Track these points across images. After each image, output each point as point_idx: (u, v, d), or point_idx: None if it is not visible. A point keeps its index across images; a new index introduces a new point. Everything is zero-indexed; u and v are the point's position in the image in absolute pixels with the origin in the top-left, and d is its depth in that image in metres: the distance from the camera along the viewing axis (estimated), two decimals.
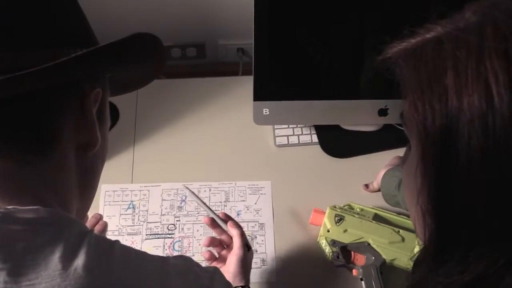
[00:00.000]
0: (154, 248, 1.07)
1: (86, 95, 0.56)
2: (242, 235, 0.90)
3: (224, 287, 0.62)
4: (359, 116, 1.19)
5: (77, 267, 0.48)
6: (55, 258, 0.48)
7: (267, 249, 1.07)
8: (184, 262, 0.60)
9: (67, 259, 0.48)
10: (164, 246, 1.08)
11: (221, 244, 0.93)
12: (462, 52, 0.42)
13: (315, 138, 1.23)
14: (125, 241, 1.07)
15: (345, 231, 1.02)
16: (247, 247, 0.89)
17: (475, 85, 0.41)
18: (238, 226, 0.91)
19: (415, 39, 0.48)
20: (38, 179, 0.53)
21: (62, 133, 0.55)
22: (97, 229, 0.98)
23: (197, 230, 1.10)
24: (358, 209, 1.07)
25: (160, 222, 1.11)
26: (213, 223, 0.92)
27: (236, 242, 0.89)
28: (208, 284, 0.59)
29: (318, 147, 1.22)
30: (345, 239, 1.02)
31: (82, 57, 0.50)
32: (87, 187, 0.62)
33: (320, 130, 1.23)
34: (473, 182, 0.42)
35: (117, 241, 0.54)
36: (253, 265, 1.03)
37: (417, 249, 0.98)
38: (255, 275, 1.04)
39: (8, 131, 0.51)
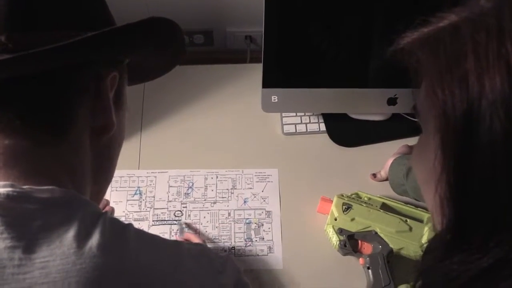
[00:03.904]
0: (160, 234, 1.07)
1: (103, 79, 0.56)
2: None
3: (236, 272, 0.62)
4: (368, 105, 1.18)
5: (92, 246, 0.48)
6: (70, 237, 0.48)
7: (273, 237, 1.07)
8: (198, 247, 0.60)
9: (82, 238, 0.48)
10: (170, 232, 1.08)
11: None
12: (481, 35, 0.41)
13: (323, 127, 1.22)
14: None
15: (352, 219, 1.02)
16: None
17: (497, 68, 0.40)
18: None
19: (428, 28, 0.47)
20: (53, 159, 0.53)
21: (78, 115, 0.55)
22: None
23: (204, 217, 1.09)
24: (365, 198, 1.07)
25: (167, 208, 1.10)
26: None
27: None
28: (220, 269, 0.59)
29: (326, 135, 1.21)
30: (352, 227, 1.02)
31: (95, 38, 0.50)
32: (102, 171, 0.62)
33: (328, 119, 1.23)
34: (495, 167, 0.41)
35: (130, 224, 0.54)
36: (259, 253, 1.05)
37: (425, 237, 0.98)
38: (261, 263, 1.04)
39: (23, 109, 0.51)
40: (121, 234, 0.52)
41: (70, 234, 0.48)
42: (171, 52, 0.65)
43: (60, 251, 0.46)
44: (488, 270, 0.43)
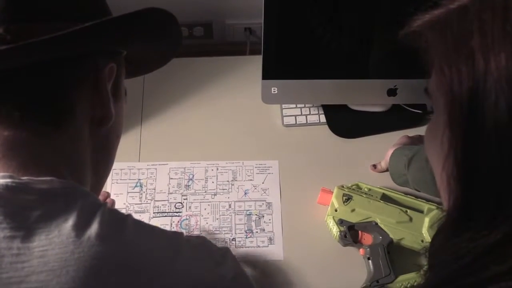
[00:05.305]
0: (161, 226, 1.07)
1: (100, 70, 0.56)
2: None
3: (235, 266, 0.63)
4: (368, 96, 1.18)
5: (91, 235, 0.48)
6: (68, 226, 0.48)
7: (274, 228, 1.08)
8: (198, 239, 0.61)
9: (81, 228, 0.48)
10: (171, 224, 1.08)
11: None
12: (487, 14, 0.42)
13: (323, 118, 1.22)
14: None
15: (352, 210, 1.02)
16: None
17: (502, 45, 0.40)
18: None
19: (439, 10, 0.48)
20: (52, 151, 0.54)
21: (76, 106, 0.55)
22: None
23: (205, 209, 1.10)
24: (366, 189, 1.07)
25: (168, 200, 1.11)
26: None
27: None
28: (220, 261, 0.59)
29: (326, 127, 1.21)
30: (353, 218, 1.02)
31: (94, 27, 0.50)
32: (101, 162, 0.63)
33: (328, 110, 1.23)
34: (500, 143, 0.41)
35: (129, 214, 0.55)
36: (260, 244, 1.05)
37: (425, 228, 0.98)
38: (262, 254, 1.04)
39: (23, 101, 0.52)
40: (120, 224, 0.52)
41: (69, 224, 0.48)
42: (168, 43, 0.65)
43: (59, 240, 0.47)
44: (496, 247, 0.43)
